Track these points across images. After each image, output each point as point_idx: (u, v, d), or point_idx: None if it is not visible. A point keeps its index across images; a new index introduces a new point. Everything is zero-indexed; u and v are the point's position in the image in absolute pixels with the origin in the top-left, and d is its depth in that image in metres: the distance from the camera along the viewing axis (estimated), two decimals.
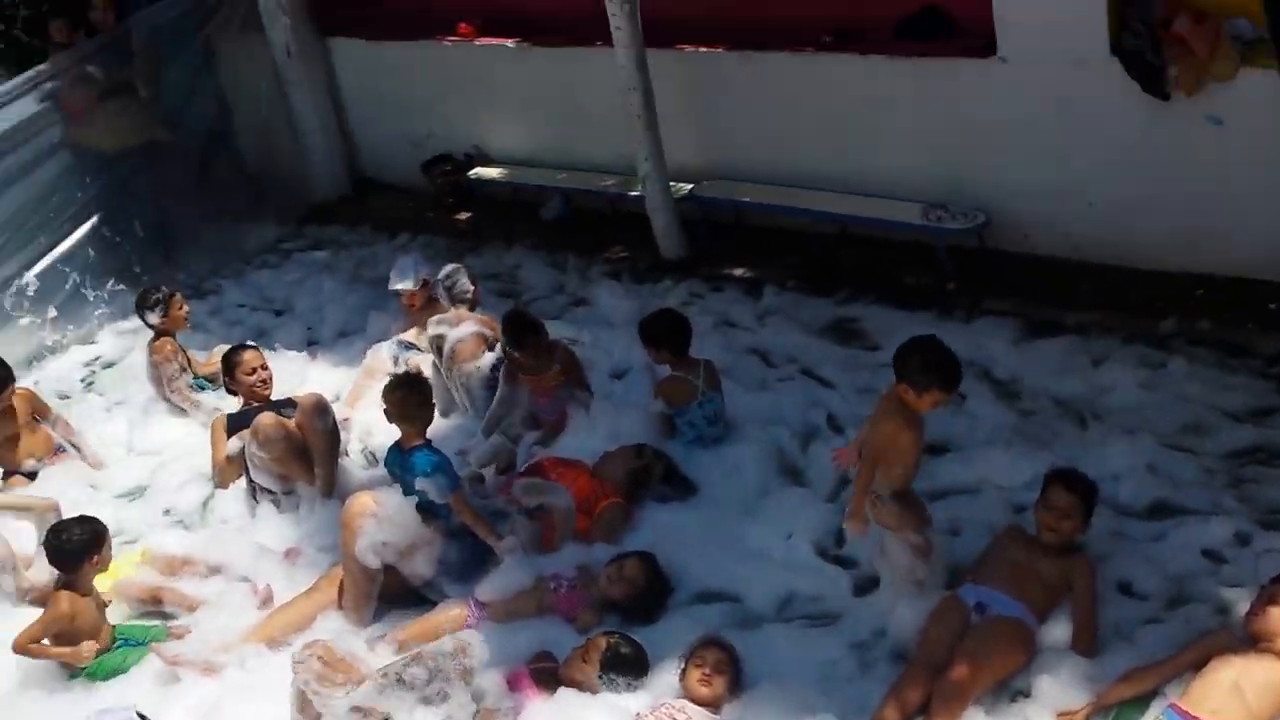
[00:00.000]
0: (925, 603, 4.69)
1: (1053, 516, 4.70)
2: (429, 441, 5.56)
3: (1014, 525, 5.00)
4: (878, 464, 4.70)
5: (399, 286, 7.68)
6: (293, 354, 7.99)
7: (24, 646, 5.23)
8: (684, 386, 6.17)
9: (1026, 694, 4.38)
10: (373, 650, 5.03)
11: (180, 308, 7.71)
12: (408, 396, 5.57)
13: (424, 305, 7.70)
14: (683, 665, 4.63)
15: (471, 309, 7.33)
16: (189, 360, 7.72)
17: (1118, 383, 6.16)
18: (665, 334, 6.26)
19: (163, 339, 7.61)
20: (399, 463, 5.57)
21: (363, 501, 5.42)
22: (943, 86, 7.43)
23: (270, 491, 6.41)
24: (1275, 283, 6.62)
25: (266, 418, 6.32)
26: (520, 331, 6.40)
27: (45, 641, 5.26)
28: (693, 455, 6.11)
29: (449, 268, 7.51)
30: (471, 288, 7.40)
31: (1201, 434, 5.70)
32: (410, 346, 7.58)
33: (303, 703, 4.67)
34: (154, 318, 7.57)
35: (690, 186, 8.58)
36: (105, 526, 5.57)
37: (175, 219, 9.87)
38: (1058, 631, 4.55)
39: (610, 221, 9.22)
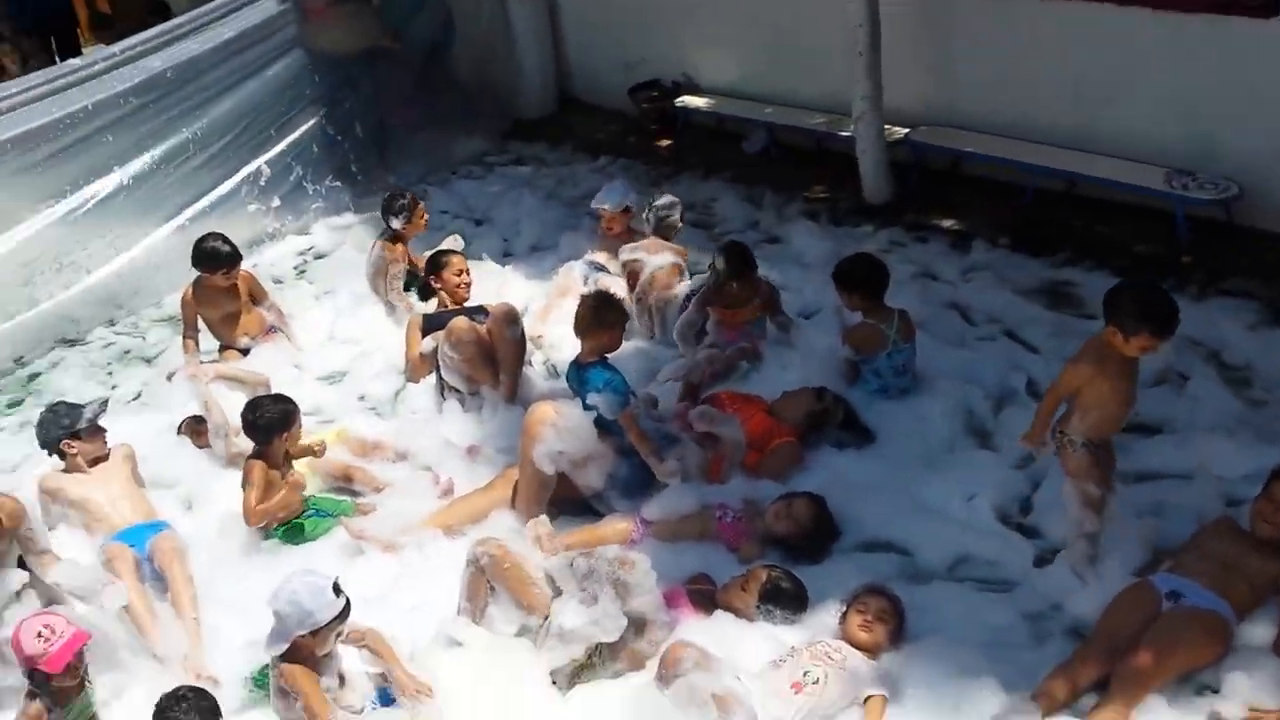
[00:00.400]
0: (1112, 584, 4.47)
1: (1273, 508, 4.37)
2: (606, 359, 5.56)
3: (1225, 517, 4.68)
4: (1075, 407, 4.51)
5: (604, 206, 7.71)
6: (489, 264, 8.09)
7: (258, 515, 5.52)
8: (875, 334, 5.98)
9: (1215, 689, 4.13)
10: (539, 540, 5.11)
11: (421, 216, 7.89)
12: (599, 313, 5.59)
13: (622, 231, 7.75)
14: (844, 609, 4.55)
15: (668, 239, 7.36)
16: (413, 264, 7.89)
17: None
18: (861, 279, 6.06)
19: (398, 242, 7.80)
20: (576, 377, 5.60)
21: (544, 410, 5.46)
22: (1208, 44, 6.98)
23: (457, 390, 6.58)
24: None
25: (460, 322, 6.49)
26: (741, 264, 6.41)
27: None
28: (874, 404, 5.95)
29: (667, 199, 7.51)
30: (681, 223, 7.48)
31: None
32: (600, 268, 7.63)
33: (473, 590, 4.81)
34: (397, 222, 7.75)
35: (905, 131, 8.33)
36: (296, 406, 5.79)
37: (392, 124, 10.10)
38: (1260, 631, 4.25)
39: (814, 160, 9.04)
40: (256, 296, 7.50)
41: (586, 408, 5.47)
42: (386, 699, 4.45)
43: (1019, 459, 5.49)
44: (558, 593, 4.72)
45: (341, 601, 4.25)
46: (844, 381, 6.07)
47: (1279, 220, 7.03)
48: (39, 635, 4.32)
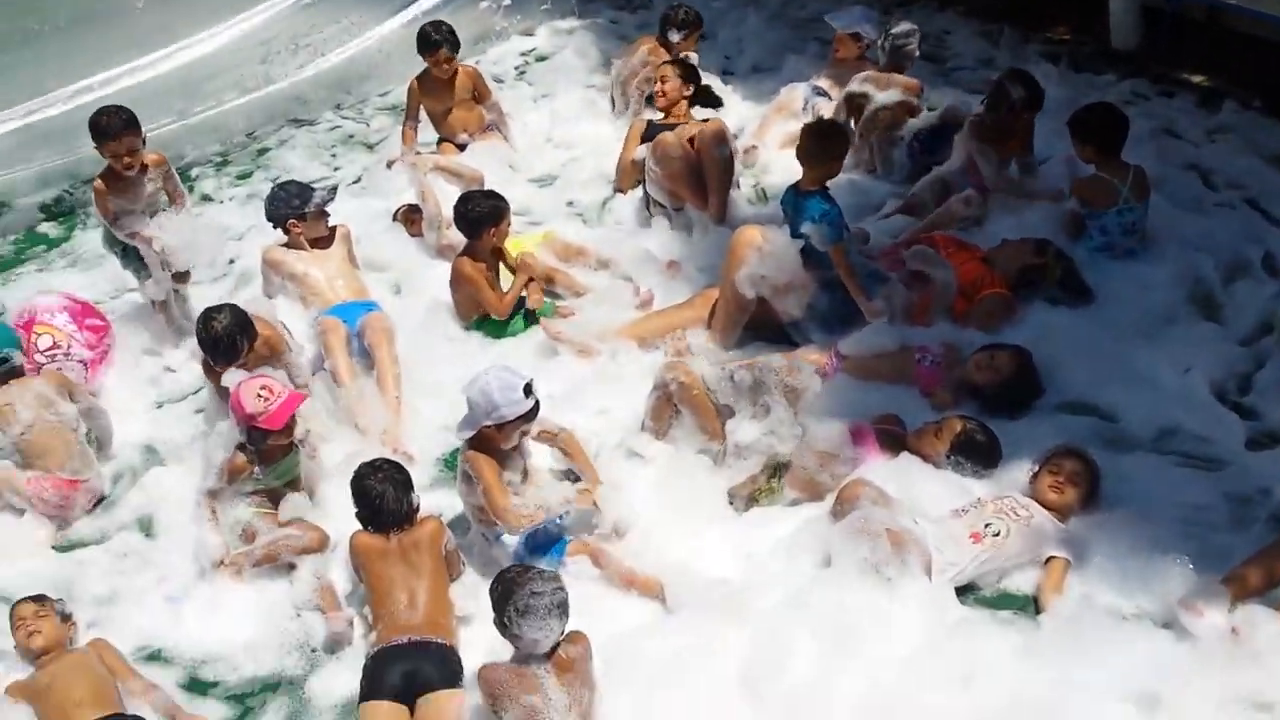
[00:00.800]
0: None
1: None
2: (826, 189, 5.44)
3: None
4: None
5: (835, 24, 7.51)
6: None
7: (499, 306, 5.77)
8: (1106, 189, 5.70)
9: None
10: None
11: (694, 37, 7.72)
12: (825, 142, 5.50)
13: (850, 57, 7.54)
14: (1036, 468, 4.45)
15: (901, 72, 7.11)
16: None
17: None
18: (1098, 129, 5.76)
19: (659, 51, 7.68)
20: (793, 203, 5.50)
21: (751, 234, 5.44)
22: None
23: (662, 206, 6.60)
24: None
25: (668, 136, 6.47)
26: (1035, 92, 6.21)
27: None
28: (1096, 263, 5.71)
29: (905, 25, 7.24)
30: (916, 54, 7.20)
31: None
32: (823, 93, 7.47)
33: (658, 412, 4.92)
34: (676, 35, 7.64)
35: None
36: (507, 205, 5.90)
37: None
38: None
39: None
40: (480, 94, 7.59)
41: (796, 235, 5.39)
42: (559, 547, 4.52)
43: (1245, 334, 5.26)
44: (731, 414, 4.80)
45: (530, 402, 4.37)
46: (1067, 236, 5.83)
47: None
48: (259, 395, 4.60)
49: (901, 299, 5.46)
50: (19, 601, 4.34)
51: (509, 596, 3.67)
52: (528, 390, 4.34)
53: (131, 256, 5.93)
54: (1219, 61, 7.50)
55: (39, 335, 5.62)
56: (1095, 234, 5.79)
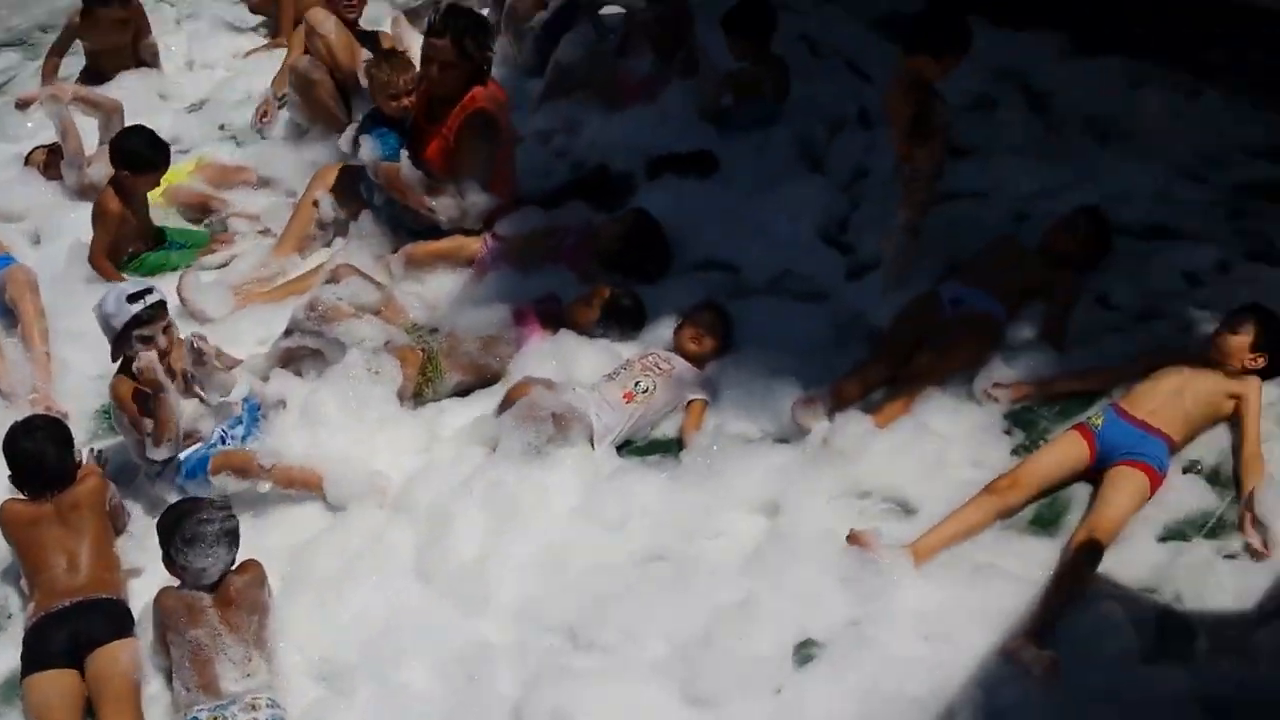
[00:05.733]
0: (908, 294, 4.84)
1: (1062, 227, 4.91)
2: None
3: (1008, 235, 5.12)
4: (906, 140, 4.75)
5: None
6: None
7: (99, 262, 5.56)
8: (756, 84, 6.15)
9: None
10: (389, 270, 5.36)
11: None
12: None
13: None
14: (679, 322, 4.86)
15: None
16: None
17: (1150, 107, 6.08)
18: (749, 23, 6.12)
19: None
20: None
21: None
22: None
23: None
24: None
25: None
26: None
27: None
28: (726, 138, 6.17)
29: None
30: None
31: (1217, 165, 5.66)
32: None
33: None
34: None
35: None
36: (167, 146, 5.79)
37: None
38: (1027, 330, 4.69)
39: None
40: (141, 31, 7.37)
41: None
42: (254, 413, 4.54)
43: (844, 181, 5.83)
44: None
45: (135, 307, 4.14)
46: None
47: None
48: None
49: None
50: None
51: (176, 526, 3.67)
52: (137, 297, 4.16)
53: None
54: None
55: None
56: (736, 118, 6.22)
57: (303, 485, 4.31)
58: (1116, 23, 6.60)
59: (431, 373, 4.78)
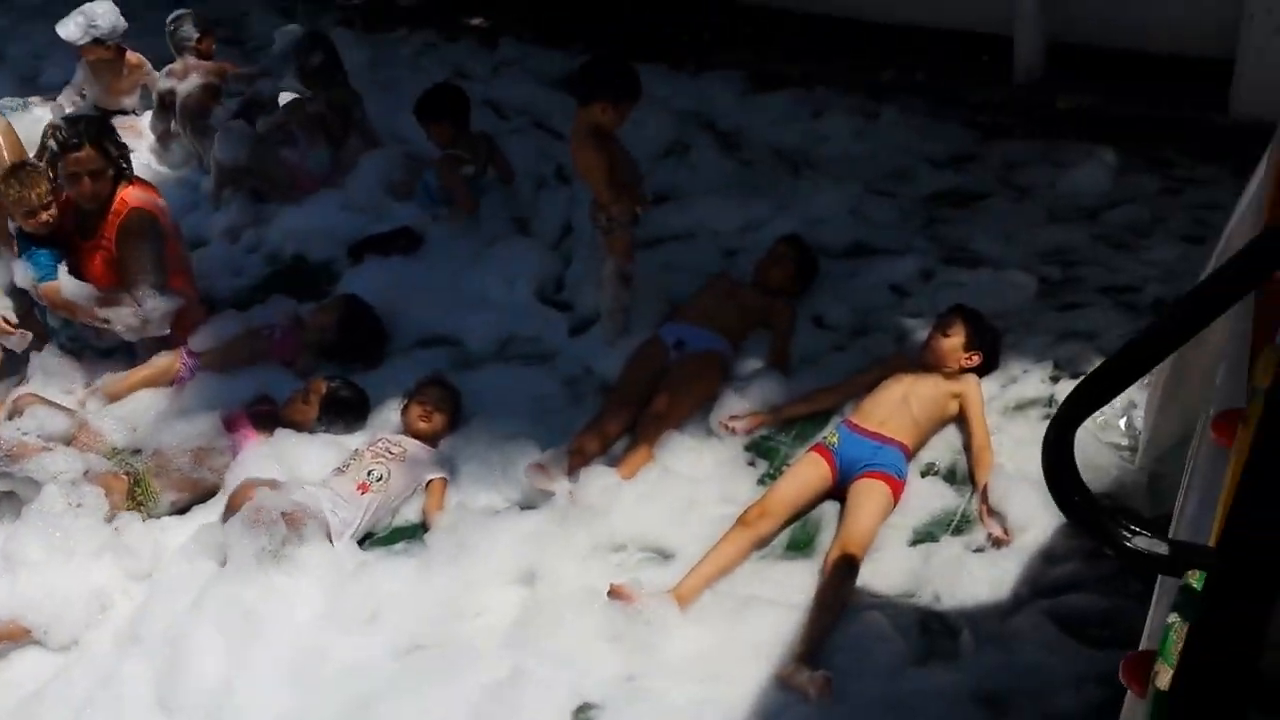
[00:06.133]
0: (632, 341, 4.83)
1: (770, 260, 4.99)
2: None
3: (721, 273, 5.19)
4: (602, 189, 4.74)
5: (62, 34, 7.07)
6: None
7: None
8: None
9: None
10: (83, 404, 4.96)
11: None
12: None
13: (118, 59, 7.30)
14: (405, 402, 4.68)
15: (202, 58, 7.02)
16: None
17: (834, 132, 6.36)
18: (447, 108, 6.02)
19: None
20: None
21: None
22: None
23: None
24: (989, 35, 6.84)
25: None
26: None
27: None
28: (420, 214, 6.08)
29: (176, 13, 7.10)
30: (196, 34, 7.03)
31: (905, 179, 5.95)
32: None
33: None
34: None
35: None
36: None
37: None
38: (753, 362, 4.74)
39: None
40: None
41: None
42: None
43: (553, 239, 5.81)
44: None
45: None
46: (397, 197, 6.17)
47: None
48: None
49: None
50: None
51: None
52: None
53: None
54: (490, 3, 8.14)
55: None
56: (422, 194, 6.14)
57: (8, 639, 3.92)
58: (788, 57, 6.87)
59: (142, 496, 4.44)
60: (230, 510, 4.23)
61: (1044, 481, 1.44)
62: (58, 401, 4.78)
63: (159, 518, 4.47)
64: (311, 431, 4.69)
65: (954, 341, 4.28)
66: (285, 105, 6.60)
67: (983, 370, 4.35)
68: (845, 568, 3.68)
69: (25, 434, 4.49)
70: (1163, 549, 1.35)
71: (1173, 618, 1.34)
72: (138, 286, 5.04)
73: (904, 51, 6.87)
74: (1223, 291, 1.27)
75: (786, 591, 3.73)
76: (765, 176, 6.10)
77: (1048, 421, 4.01)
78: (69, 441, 4.56)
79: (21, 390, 4.88)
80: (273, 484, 4.29)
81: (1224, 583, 0.81)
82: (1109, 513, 1.40)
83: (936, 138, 6.25)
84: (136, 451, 4.62)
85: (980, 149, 6.16)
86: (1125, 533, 1.37)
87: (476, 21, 8.04)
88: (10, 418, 4.60)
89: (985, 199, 5.77)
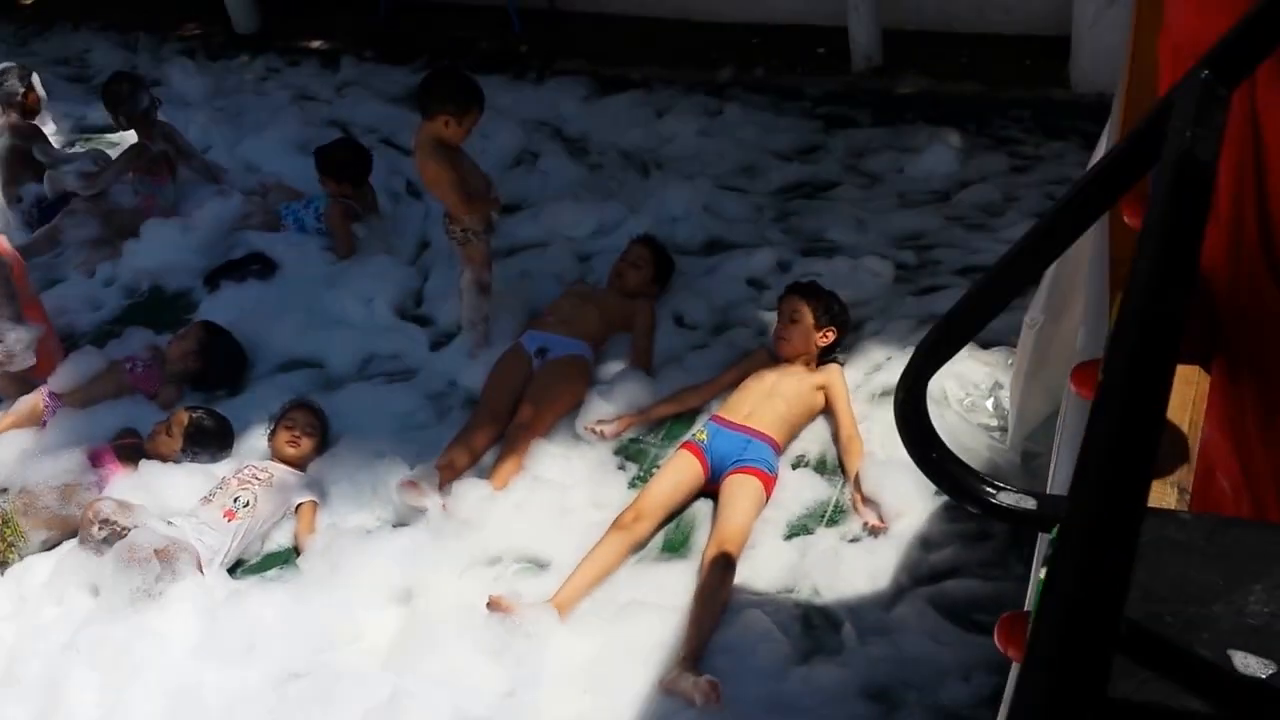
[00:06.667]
0: (494, 352, 4.79)
1: (625, 262, 4.97)
2: None
3: (577, 281, 5.19)
4: (452, 200, 4.69)
5: None
6: None
7: None
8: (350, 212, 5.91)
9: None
10: None
11: None
12: None
13: None
14: (272, 427, 4.59)
15: (26, 115, 6.66)
16: None
17: (679, 131, 6.37)
18: (349, 163, 5.89)
19: None
20: None
21: None
22: None
23: None
24: (824, 27, 6.94)
25: None
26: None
27: None
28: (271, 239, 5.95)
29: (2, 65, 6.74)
30: (21, 89, 6.58)
31: (754, 174, 5.98)
32: None
33: None
34: None
35: None
36: None
37: None
38: (616, 365, 4.73)
39: None
40: None
41: None
42: None
43: (410, 255, 5.73)
44: None
45: None
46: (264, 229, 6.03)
47: (592, 2, 7.59)
48: None
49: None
50: None
51: None
52: None
53: None
54: (328, 25, 8.08)
55: None
56: (290, 220, 6.02)
57: None
58: (628, 61, 6.89)
59: (11, 535, 4.30)
60: (83, 527, 4.18)
61: (914, 465, 1.38)
62: None
63: (25, 557, 4.31)
64: (177, 462, 4.58)
65: (803, 325, 4.30)
66: (124, 152, 6.37)
67: (840, 340, 4.39)
68: (722, 566, 3.68)
69: None
70: (1031, 504, 1.31)
71: (1042, 573, 1.31)
72: None
73: (740, 49, 6.92)
74: (1070, 216, 1.24)
75: (665, 594, 3.70)
76: (615, 179, 6.10)
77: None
78: None
79: None
80: (122, 503, 4.23)
81: (1075, 525, 0.79)
82: (972, 470, 1.35)
83: (781, 131, 6.30)
84: (3, 491, 4.48)
85: (825, 139, 6.22)
86: (990, 489, 1.33)
87: (317, 44, 7.90)
88: None
89: (835, 188, 5.83)
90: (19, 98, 6.58)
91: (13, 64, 6.76)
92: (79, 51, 8.51)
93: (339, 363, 5.15)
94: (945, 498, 3.73)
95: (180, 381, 5.02)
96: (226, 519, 4.22)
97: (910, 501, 3.82)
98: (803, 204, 5.73)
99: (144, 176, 6.24)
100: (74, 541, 4.35)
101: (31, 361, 5.00)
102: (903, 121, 6.25)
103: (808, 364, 4.33)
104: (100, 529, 4.13)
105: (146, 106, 6.26)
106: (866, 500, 3.91)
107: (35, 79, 6.66)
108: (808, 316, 4.31)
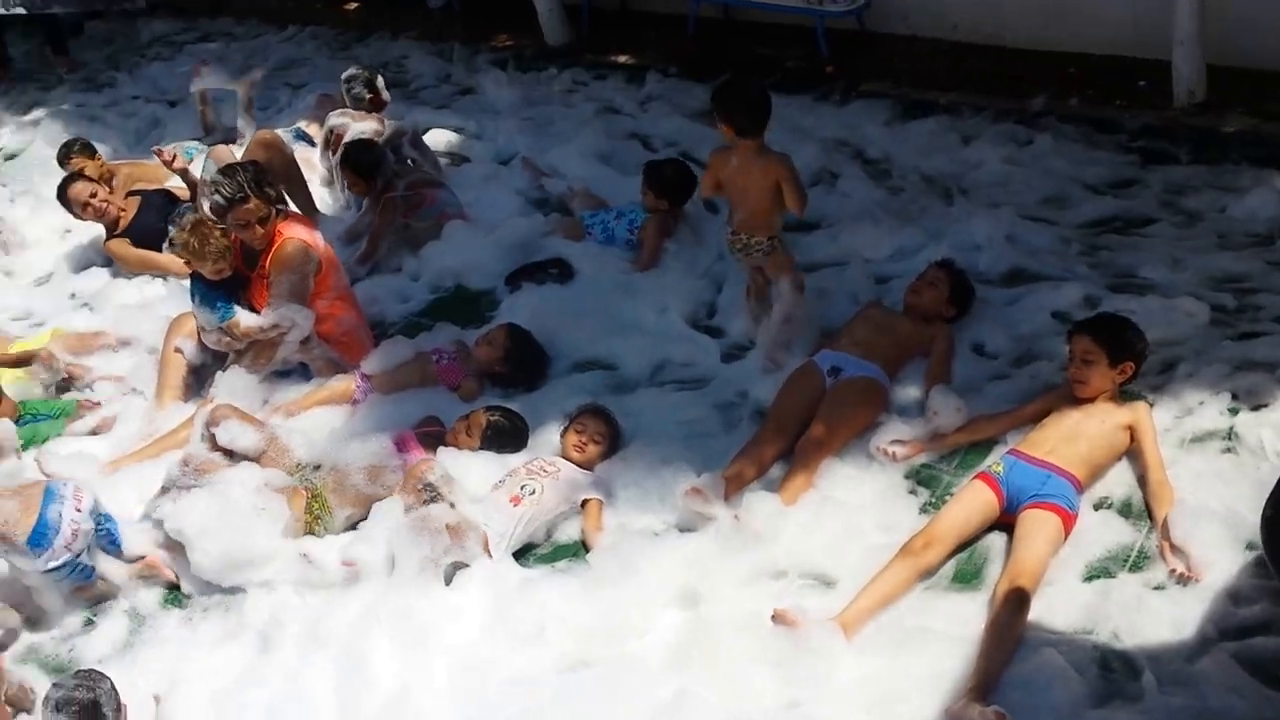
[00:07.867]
0: (790, 369, 4.72)
1: (922, 282, 4.82)
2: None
3: (875, 301, 5.05)
4: (756, 212, 4.71)
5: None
6: (189, 143, 7.68)
7: None
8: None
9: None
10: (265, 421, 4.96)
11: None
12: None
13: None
14: (564, 428, 4.65)
15: (374, 110, 7.08)
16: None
17: (985, 159, 6.16)
18: (670, 183, 5.93)
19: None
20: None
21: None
22: None
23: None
24: (1145, 60, 6.59)
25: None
26: None
27: None
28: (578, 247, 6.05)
29: (350, 70, 7.22)
30: (369, 95, 7.09)
31: (1062, 206, 5.71)
32: (303, 136, 7.38)
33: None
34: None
35: None
36: None
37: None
38: (912, 391, 4.58)
39: (496, 10, 9.03)
40: None
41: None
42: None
43: (703, 267, 5.71)
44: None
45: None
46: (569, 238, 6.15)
47: (903, 24, 7.43)
48: None
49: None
50: None
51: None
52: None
53: None
54: (636, 42, 8.20)
55: None
56: (596, 229, 6.10)
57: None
58: (935, 85, 6.71)
59: (319, 510, 4.49)
60: (409, 480, 4.35)
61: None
62: (249, 414, 4.84)
63: (336, 534, 4.48)
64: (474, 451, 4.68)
65: (1098, 366, 4.05)
66: (380, 223, 6.48)
67: (1139, 369, 4.13)
68: (1016, 600, 3.50)
69: (212, 453, 4.60)
70: None
71: None
72: (277, 305, 5.17)
73: (1055, 78, 6.63)
74: None
75: (955, 623, 3.57)
76: (916, 203, 5.93)
77: (1228, 454, 3.84)
78: (258, 456, 4.64)
79: (217, 403, 4.94)
80: (446, 473, 4.38)
81: None
82: None
83: (1093, 163, 5.99)
84: (317, 467, 4.67)
85: (1141, 174, 5.88)
86: None
87: (624, 59, 8.04)
88: (207, 424, 4.67)
89: (1150, 225, 5.50)
90: (365, 100, 6.99)
91: (358, 70, 7.14)
92: (396, 57, 8.93)
93: (632, 367, 5.18)
94: (1256, 551, 3.49)
95: (484, 376, 5.16)
96: (512, 504, 4.32)
97: (1220, 552, 3.58)
98: (1114, 239, 5.41)
99: (411, 211, 6.41)
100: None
101: (305, 334, 5.24)
102: (1226, 160, 5.85)
103: (1112, 398, 4.07)
104: (425, 490, 4.27)
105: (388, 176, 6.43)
106: (1175, 548, 3.65)
107: (380, 81, 7.05)
108: (1102, 356, 4.05)
